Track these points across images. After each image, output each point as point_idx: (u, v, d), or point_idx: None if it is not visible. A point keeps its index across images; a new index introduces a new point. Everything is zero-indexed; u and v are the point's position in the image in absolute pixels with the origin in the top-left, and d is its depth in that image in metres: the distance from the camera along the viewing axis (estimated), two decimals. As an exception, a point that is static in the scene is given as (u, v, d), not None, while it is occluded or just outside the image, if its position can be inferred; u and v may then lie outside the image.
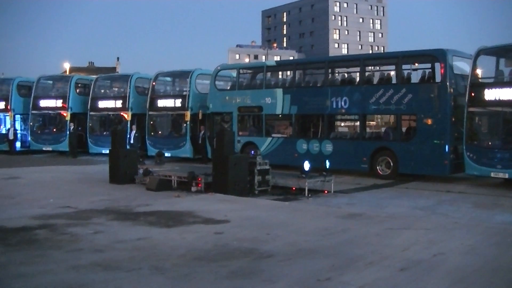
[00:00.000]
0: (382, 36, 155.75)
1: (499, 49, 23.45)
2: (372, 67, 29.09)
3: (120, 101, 37.18)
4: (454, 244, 12.16)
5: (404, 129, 25.50)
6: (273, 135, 29.21)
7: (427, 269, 10.08)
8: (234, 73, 32.60)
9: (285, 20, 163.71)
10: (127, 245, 11.56)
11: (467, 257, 11.03)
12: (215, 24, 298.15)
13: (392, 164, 24.56)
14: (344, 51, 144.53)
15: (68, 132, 38.45)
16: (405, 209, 17.50)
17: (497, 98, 21.84)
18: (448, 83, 23.02)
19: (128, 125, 35.06)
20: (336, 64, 31.61)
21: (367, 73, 27.01)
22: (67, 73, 66.57)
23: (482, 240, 12.66)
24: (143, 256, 10.66)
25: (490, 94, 22.09)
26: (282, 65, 37.37)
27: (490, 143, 22.86)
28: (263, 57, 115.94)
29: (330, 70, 29.03)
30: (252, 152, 24.46)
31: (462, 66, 24.33)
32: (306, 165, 20.35)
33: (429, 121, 23.56)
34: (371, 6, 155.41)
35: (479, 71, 23.39)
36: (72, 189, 21.04)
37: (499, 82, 22.94)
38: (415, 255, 11.04)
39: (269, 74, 31.81)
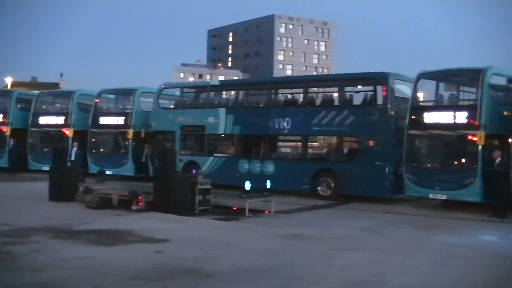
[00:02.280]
0: (326, 58, 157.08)
1: (438, 74, 23.96)
2: (316, 89, 29.29)
3: (62, 118, 36.51)
4: (393, 264, 12.30)
5: (345, 151, 25.71)
6: (215, 154, 29.09)
7: (366, 290, 10.17)
8: (178, 92, 32.50)
9: (230, 40, 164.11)
10: (66, 264, 11.35)
11: (406, 277, 11.17)
12: (161, 42, 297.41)
13: (333, 185, 24.70)
14: (289, 72, 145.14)
15: (8, 148, 37.61)
16: (346, 229, 17.59)
17: (436, 121, 22.29)
18: (389, 106, 23.34)
19: (70, 142, 34.51)
20: (279, 85, 31.64)
21: (310, 95, 27.21)
22: (9, 87, 65.30)
23: (421, 260, 12.83)
24: (83, 275, 10.48)
25: (430, 117, 22.53)
26: (226, 85, 37.51)
27: (429, 165, 23.27)
28: (208, 77, 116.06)
29: (273, 91, 29.16)
30: (194, 171, 24.35)
31: (403, 89, 24.68)
32: (247, 185, 20.35)
33: (371, 143, 23.87)
34: (317, 28, 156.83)
35: (419, 95, 23.82)
36: (11, 206, 20.55)
37: (439, 105, 23.43)
38: (355, 275, 11.12)
39: (212, 93, 31.81)
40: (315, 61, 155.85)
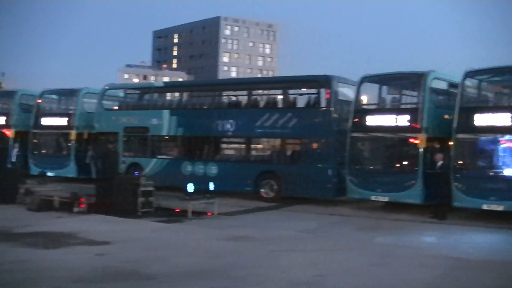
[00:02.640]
0: (272, 60, 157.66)
1: (381, 77, 24.21)
2: (260, 91, 29.30)
3: (4, 118, 35.82)
4: (335, 265, 12.43)
5: (289, 153, 25.80)
6: (158, 156, 28.86)
7: (307, 290, 10.24)
8: (121, 93, 32.20)
9: (176, 41, 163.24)
10: (5, 267, 11.15)
11: (346, 277, 11.31)
12: (106, 43, 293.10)
13: (276, 187, 24.78)
14: (234, 74, 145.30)
15: None
16: (288, 231, 17.63)
17: (379, 124, 22.56)
18: (332, 109, 23.53)
19: (11, 143, 33.82)
20: (223, 87, 31.63)
21: (254, 97, 27.26)
22: None
23: (362, 260, 13.01)
24: (22, 278, 10.32)
25: (372, 120, 22.78)
26: (170, 87, 37.18)
27: (371, 168, 23.49)
28: (152, 78, 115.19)
29: (217, 93, 29.13)
30: (136, 173, 24.15)
31: (347, 92, 24.85)
32: (190, 187, 20.31)
33: (314, 146, 24.05)
34: (262, 30, 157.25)
35: (362, 98, 24.08)
36: None
37: (381, 108, 23.73)
38: (296, 276, 11.20)
39: (156, 95, 31.59)
40: (260, 63, 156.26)
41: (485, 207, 20.14)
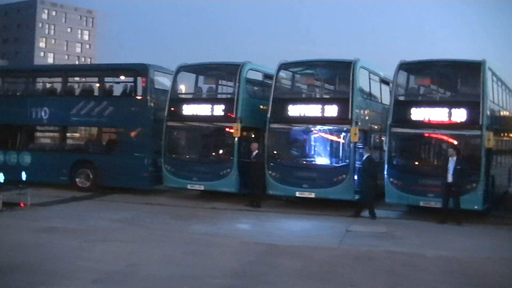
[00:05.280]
0: (90, 47, 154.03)
1: (198, 67, 24.52)
2: (77, 78, 28.52)
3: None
4: (149, 254, 12.51)
5: (105, 142, 25.42)
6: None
7: (120, 280, 10.24)
8: None
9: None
10: None
11: (161, 266, 11.40)
12: None
13: (92, 176, 24.33)
14: (50, 61, 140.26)
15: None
16: (104, 221, 17.43)
17: (195, 114, 22.77)
18: (149, 98, 23.43)
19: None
20: (37, 73, 30.41)
21: (69, 84, 26.52)
22: None
23: (177, 249, 13.20)
24: None
25: (188, 110, 22.94)
26: (-20, 72, 35.30)
27: (187, 157, 23.66)
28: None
29: (31, 80, 28.03)
30: None
31: (164, 81, 24.84)
32: (0, 177, 19.45)
33: (130, 135, 23.78)
34: (81, 16, 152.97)
35: (180, 87, 24.19)
36: None
37: (197, 98, 23.97)
38: (110, 266, 11.16)
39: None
40: (78, 50, 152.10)
41: (298, 194, 20.99)
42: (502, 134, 23.65)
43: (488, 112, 19.50)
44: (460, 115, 19.48)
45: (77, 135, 27.56)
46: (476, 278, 11.63)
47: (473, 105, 19.25)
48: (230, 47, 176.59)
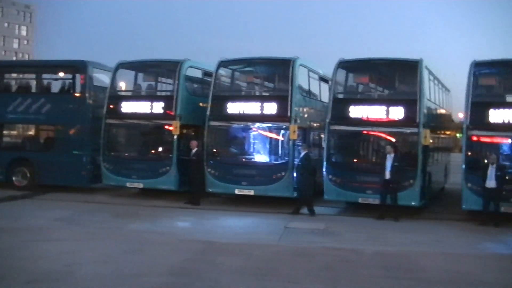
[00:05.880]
0: (28, 43, 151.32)
1: (137, 64, 24.34)
2: (15, 75, 27.93)
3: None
4: (88, 253, 12.48)
5: (43, 140, 24.98)
6: None
7: (56, 280, 10.15)
8: None
9: None
10: None
11: (99, 265, 11.41)
12: None
13: (29, 175, 23.92)
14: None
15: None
16: (42, 220, 17.20)
17: (134, 111, 22.65)
18: (87, 95, 23.15)
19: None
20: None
21: (6, 81, 25.98)
22: None
23: (116, 248, 13.18)
24: None
25: (127, 107, 22.83)
26: None
27: (126, 155, 23.57)
28: None
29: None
30: None
31: (103, 78, 24.61)
32: None
33: (68, 132, 23.48)
34: (19, 11, 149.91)
35: (119, 84, 24.02)
36: None
37: (136, 95, 23.93)
38: (47, 266, 11.09)
39: None
40: (16, 45, 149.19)
41: (237, 192, 21.07)
42: (438, 132, 24.13)
43: (425, 110, 19.91)
44: (397, 113, 19.82)
45: (14, 132, 26.97)
46: (412, 272, 11.91)
47: (410, 103, 19.65)
48: (170, 44, 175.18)
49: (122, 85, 24.62)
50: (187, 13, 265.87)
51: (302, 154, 20.05)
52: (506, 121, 18.94)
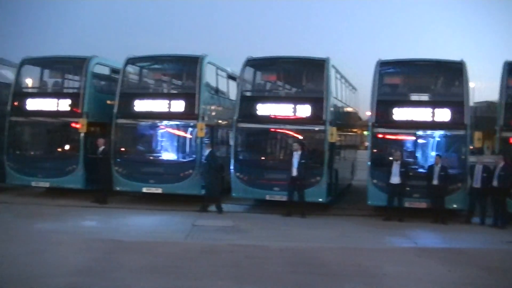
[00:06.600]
0: None
1: (43, 60, 23.90)
2: None
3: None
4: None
5: None
6: None
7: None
8: None
9: None
10: None
11: (1, 267, 11.18)
12: None
13: None
14: None
15: None
16: None
17: (40, 109, 22.16)
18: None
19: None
20: None
21: None
22: None
23: (19, 249, 13.12)
24: None
25: (32, 104, 22.32)
26: None
27: (32, 153, 23.16)
28: None
29: None
30: None
31: (7, 74, 24.06)
32: None
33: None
34: None
35: (24, 81, 23.49)
36: None
37: (42, 92, 23.38)
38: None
39: None
40: None
41: (145, 190, 21.01)
42: (345, 129, 24.65)
43: (332, 108, 20.35)
44: (304, 110, 20.21)
45: None
46: (317, 267, 12.24)
47: (317, 101, 20.03)
48: (80, 41, 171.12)
49: (27, 82, 24.08)
50: (100, 9, 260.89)
51: (207, 151, 20.14)
52: (410, 119, 19.65)
